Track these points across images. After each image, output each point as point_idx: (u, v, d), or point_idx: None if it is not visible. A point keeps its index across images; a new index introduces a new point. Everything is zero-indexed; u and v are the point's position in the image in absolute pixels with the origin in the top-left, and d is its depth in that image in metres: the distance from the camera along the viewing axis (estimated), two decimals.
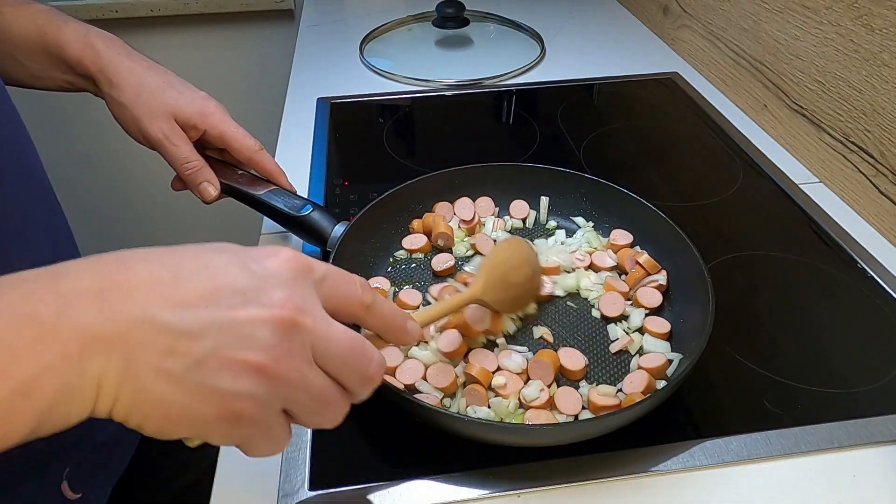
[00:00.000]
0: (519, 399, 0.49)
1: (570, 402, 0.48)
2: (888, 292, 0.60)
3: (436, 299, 0.58)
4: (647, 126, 0.90)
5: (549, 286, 0.59)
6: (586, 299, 0.59)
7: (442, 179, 0.66)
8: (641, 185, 0.66)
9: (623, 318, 0.56)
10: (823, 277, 0.63)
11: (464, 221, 0.65)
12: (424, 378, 0.50)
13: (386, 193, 0.63)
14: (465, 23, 1.10)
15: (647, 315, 0.56)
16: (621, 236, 0.63)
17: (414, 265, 0.63)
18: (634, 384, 0.49)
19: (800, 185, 0.75)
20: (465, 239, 0.65)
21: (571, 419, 0.48)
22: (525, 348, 0.54)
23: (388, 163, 0.82)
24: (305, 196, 0.67)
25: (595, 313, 0.57)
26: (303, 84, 1.00)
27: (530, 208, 0.67)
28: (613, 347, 0.54)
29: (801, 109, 0.78)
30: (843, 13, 0.69)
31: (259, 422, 0.31)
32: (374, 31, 1.13)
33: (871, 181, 0.68)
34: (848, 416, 0.49)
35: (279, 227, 0.64)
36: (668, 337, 0.54)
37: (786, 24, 0.79)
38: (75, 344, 0.26)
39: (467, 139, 0.89)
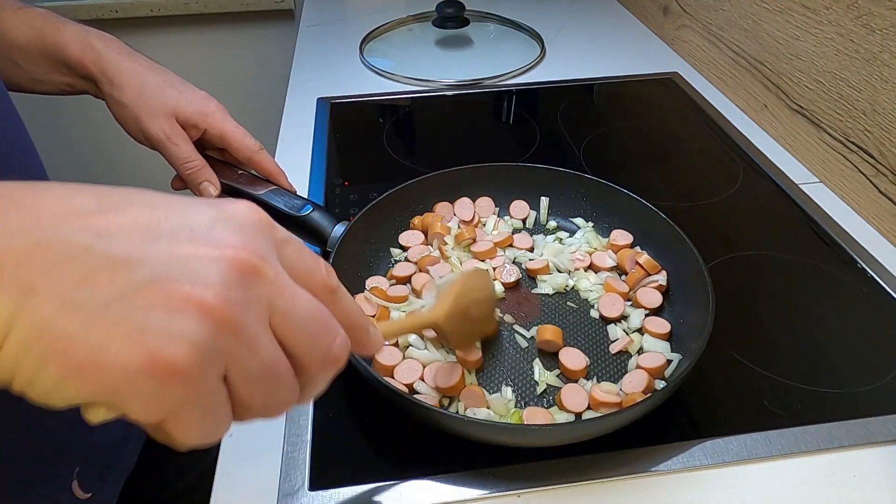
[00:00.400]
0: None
1: (576, 399, 0.49)
2: (888, 292, 0.60)
3: (416, 292, 0.58)
4: (647, 126, 0.90)
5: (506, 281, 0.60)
6: (586, 299, 0.59)
7: (442, 179, 0.66)
8: (641, 185, 0.66)
9: (623, 318, 0.57)
10: (823, 277, 0.63)
11: (464, 221, 0.65)
12: (422, 378, 0.50)
13: (386, 193, 0.63)
14: (465, 23, 1.10)
15: (646, 315, 0.56)
16: (621, 236, 0.63)
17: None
18: (634, 384, 0.49)
19: (800, 185, 0.75)
20: (452, 252, 0.62)
21: (571, 419, 0.48)
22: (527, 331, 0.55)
23: (388, 163, 0.82)
24: (305, 196, 0.67)
25: (594, 314, 0.57)
26: (303, 84, 1.00)
27: (530, 208, 0.67)
28: (613, 348, 0.54)
29: (801, 109, 0.78)
30: (843, 13, 0.69)
31: (194, 384, 0.23)
32: (374, 31, 1.13)
33: (871, 181, 0.69)
34: (848, 416, 0.49)
35: None
36: (668, 337, 0.54)
37: (786, 24, 0.79)
38: None
39: (467, 139, 0.89)
